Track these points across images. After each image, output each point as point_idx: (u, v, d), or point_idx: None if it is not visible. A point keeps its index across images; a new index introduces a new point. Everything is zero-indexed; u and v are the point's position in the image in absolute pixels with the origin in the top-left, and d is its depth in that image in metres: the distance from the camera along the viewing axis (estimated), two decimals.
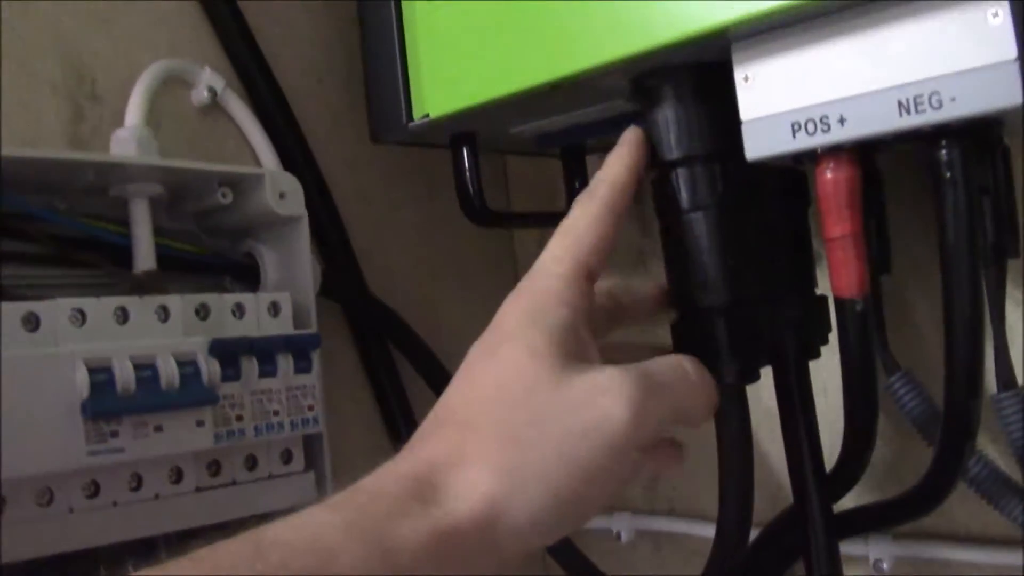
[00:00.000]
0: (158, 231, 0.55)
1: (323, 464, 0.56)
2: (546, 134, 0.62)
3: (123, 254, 0.54)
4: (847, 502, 0.57)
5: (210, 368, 0.50)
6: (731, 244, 0.50)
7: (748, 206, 0.50)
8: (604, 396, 0.39)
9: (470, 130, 0.60)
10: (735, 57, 0.47)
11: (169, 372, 0.49)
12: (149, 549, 0.51)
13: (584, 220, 0.45)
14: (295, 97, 0.66)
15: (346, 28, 0.66)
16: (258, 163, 0.62)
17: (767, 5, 0.42)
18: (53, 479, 0.47)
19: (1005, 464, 0.55)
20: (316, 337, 0.55)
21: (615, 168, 0.48)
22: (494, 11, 0.52)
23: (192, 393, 0.50)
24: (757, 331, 0.50)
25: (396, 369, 0.69)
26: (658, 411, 0.40)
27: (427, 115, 0.56)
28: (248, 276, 0.59)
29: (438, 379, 0.68)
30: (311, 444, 0.56)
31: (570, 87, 0.51)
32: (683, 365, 0.44)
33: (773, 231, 0.52)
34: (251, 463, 0.54)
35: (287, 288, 0.57)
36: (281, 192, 0.56)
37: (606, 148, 0.47)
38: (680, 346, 0.50)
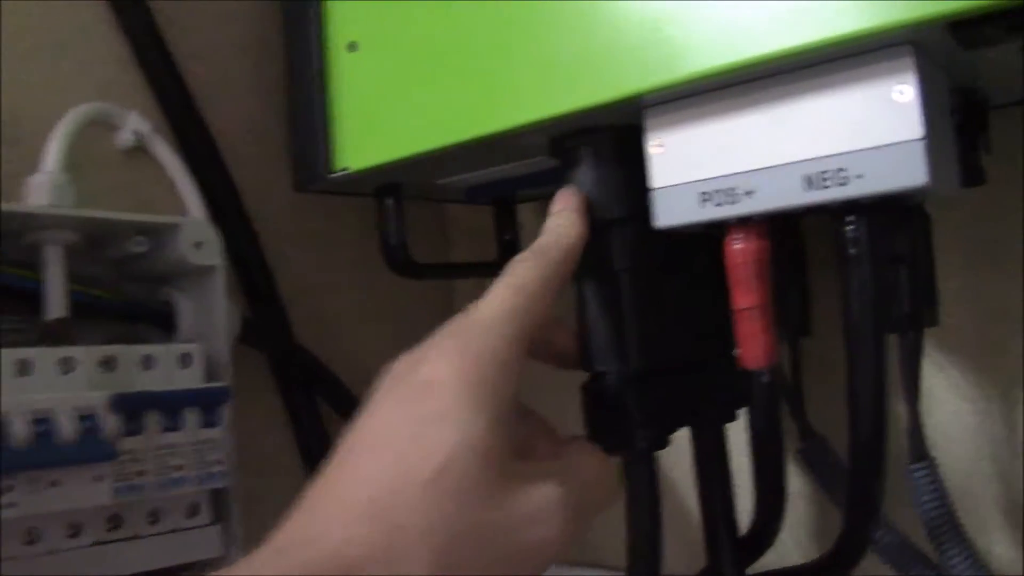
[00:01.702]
0: (75, 276, 0.55)
1: (231, 518, 0.56)
2: (473, 187, 0.61)
3: (38, 300, 0.54)
4: (769, 562, 0.56)
5: (110, 423, 0.50)
6: (648, 309, 0.50)
7: (666, 270, 0.50)
8: (543, 523, 0.36)
9: (394, 181, 0.60)
10: (647, 124, 0.47)
11: (67, 427, 0.48)
12: None
13: (537, 282, 0.42)
14: (226, 143, 0.66)
15: (281, 76, 0.66)
16: (184, 209, 0.61)
17: (674, 75, 0.42)
18: None
19: (917, 530, 0.54)
20: (225, 391, 0.55)
21: (568, 233, 0.46)
22: (410, 68, 0.52)
23: (91, 449, 0.49)
24: (671, 399, 0.50)
25: (321, 420, 0.69)
26: (585, 525, 0.39)
27: (346, 168, 0.55)
28: (165, 323, 0.58)
29: None
30: (220, 497, 0.56)
31: (487, 145, 0.51)
32: (612, 479, 0.42)
33: (693, 296, 0.51)
34: (153, 517, 0.53)
35: (204, 336, 0.57)
36: (197, 241, 0.56)
37: (537, 199, 0.47)
38: (590, 410, 0.50)
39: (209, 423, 0.54)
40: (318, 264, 0.71)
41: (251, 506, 0.59)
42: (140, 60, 0.62)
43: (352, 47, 0.55)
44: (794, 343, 0.59)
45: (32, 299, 0.54)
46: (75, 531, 0.50)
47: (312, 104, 0.57)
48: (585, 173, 0.50)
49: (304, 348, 0.68)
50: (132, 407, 0.51)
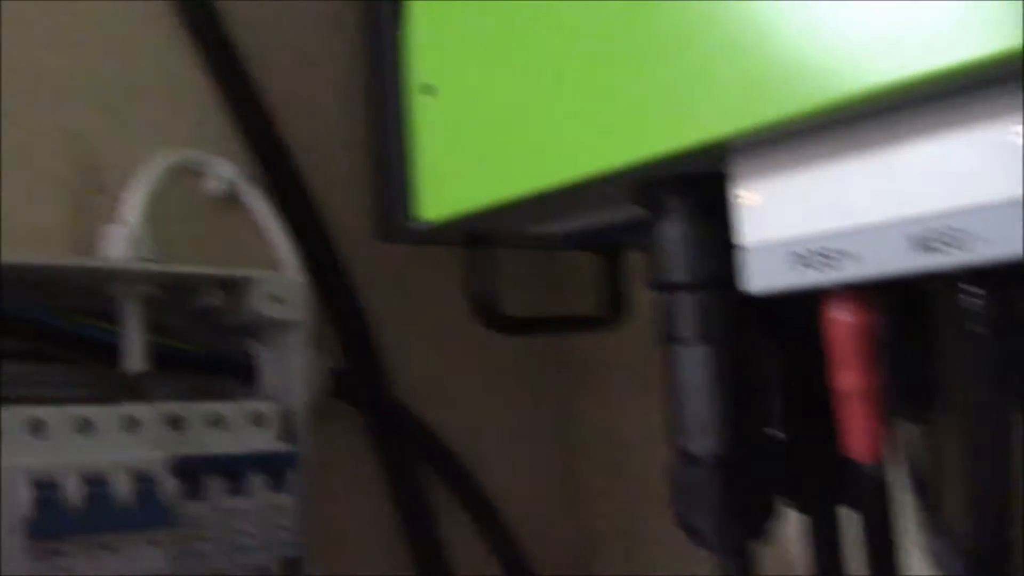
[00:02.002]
0: (156, 327, 0.53)
1: None
2: (570, 235, 0.57)
3: (115, 352, 0.53)
4: None
5: (169, 486, 0.48)
6: (744, 384, 0.44)
7: (759, 340, 0.45)
8: None
9: (482, 230, 0.56)
10: (734, 171, 0.41)
11: (123, 490, 0.47)
12: None
13: None
14: (319, 190, 0.64)
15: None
16: (275, 258, 0.59)
17: (762, 118, 0.37)
18: None
19: None
20: (293, 455, 0.52)
21: None
22: (487, 112, 0.49)
23: (147, 513, 0.48)
24: (773, 485, 0.45)
25: (420, 482, 0.65)
26: None
27: (424, 219, 0.52)
28: (246, 376, 0.56)
29: (466, 490, 0.64)
30: (294, 566, 0.53)
31: (569, 194, 0.47)
32: None
33: (799, 367, 0.46)
34: None
35: (284, 391, 0.55)
36: (274, 295, 0.54)
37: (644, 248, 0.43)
38: (677, 497, 0.45)
39: (277, 487, 0.51)
40: (417, 316, 0.68)
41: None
42: (229, 106, 0.61)
43: (429, 90, 0.52)
44: (927, 424, 0.52)
45: (111, 351, 0.53)
46: None
47: (390, 151, 0.54)
48: (672, 227, 0.45)
49: (402, 404, 0.65)
50: (193, 470, 0.49)
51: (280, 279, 0.54)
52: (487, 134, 0.49)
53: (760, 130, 0.37)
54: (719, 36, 0.38)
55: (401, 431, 0.65)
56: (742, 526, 0.44)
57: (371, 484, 0.65)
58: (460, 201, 0.50)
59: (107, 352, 0.53)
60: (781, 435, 0.46)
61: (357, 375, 0.63)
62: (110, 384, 0.52)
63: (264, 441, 0.52)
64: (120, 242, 0.54)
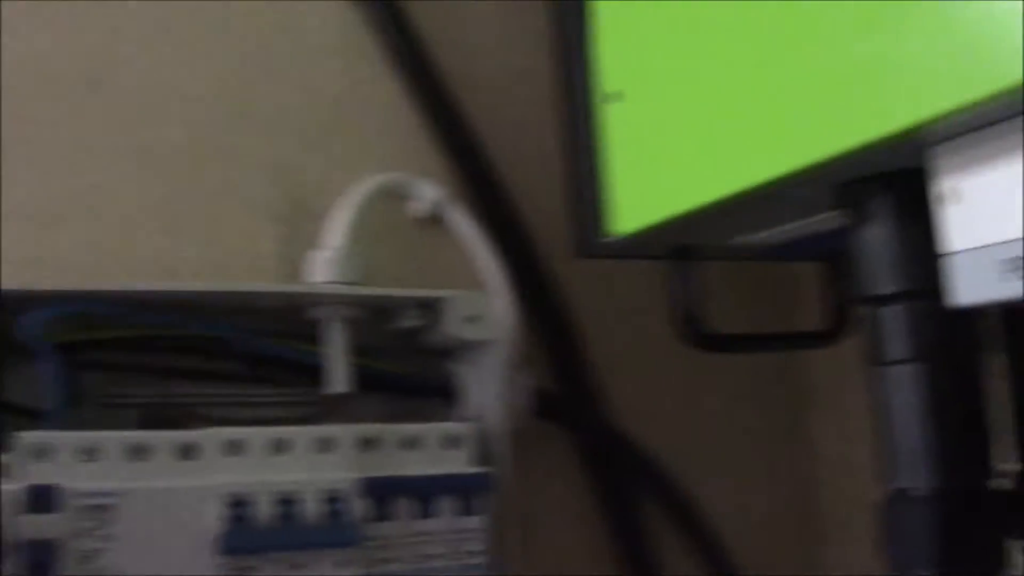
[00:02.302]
0: (359, 349, 0.54)
1: None
2: (779, 246, 0.53)
3: (319, 373, 0.54)
4: None
5: (358, 507, 0.48)
6: (958, 407, 0.39)
7: (982, 356, 0.40)
8: None
9: (683, 243, 0.53)
10: (933, 167, 0.37)
11: (313, 510, 0.47)
12: None
13: None
14: (527, 207, 0.63)
15: None
16: (482, 279, 0.59)
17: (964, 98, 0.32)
18: None
19: None
20: (485, 478, 0.51)
21: None
22: (674, 116, 0.46)
23: (336, 533, 0.48)
24: (988, 527, 0.39)
25: (636, 511, 0.63)
26: None
27: (617, 232, 0.50)
28: (448, 398, 0.56)
29: (686, 517, 0.61)
30: None
31: (763, 199, 0.43)
32: None
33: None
34: None
35: (486, 412, 0.54)
36: (470, 316, 0.53)
37: None
38: (890, 535, 0.40)
39: (468, 510, 0.50)
40: (631, 334, 0.66)
41: None
42: (433, 128, 0.61)
43: (617, 97, 0.50)
44: None
45: (315, 373, 0.54)
46: None
47: (581, 164, 0.52)
48: (874, 231, 0.41)
49: (616, 426, 0.62)
50: (382, 492, 0.49)
51: (478, 298, 0.54)
52: (676, 139, 0.46)
53: (961, 113, 0.32)
54: (911, 13, 0.34)
55: (615, 454, 0.62)
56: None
57: (583, 507, 0.63)
58: (652, 211, 0.48)
59: (312, 374, 0.54)
60: (1011, 467, 0.41)
61: (567, 396, 0.61)
62: (314, 406, 0.53)
63: (457, 463, 0.51)
64: (324, 266, 0.55)
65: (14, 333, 0.48)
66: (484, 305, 0.54)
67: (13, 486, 0.44)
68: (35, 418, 0.48)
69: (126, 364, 0.53)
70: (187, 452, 0.48)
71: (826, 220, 0.48)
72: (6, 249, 0.52)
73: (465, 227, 0.59)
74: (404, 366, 0.57)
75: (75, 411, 0.50)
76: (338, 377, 0.53)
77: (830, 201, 0.44)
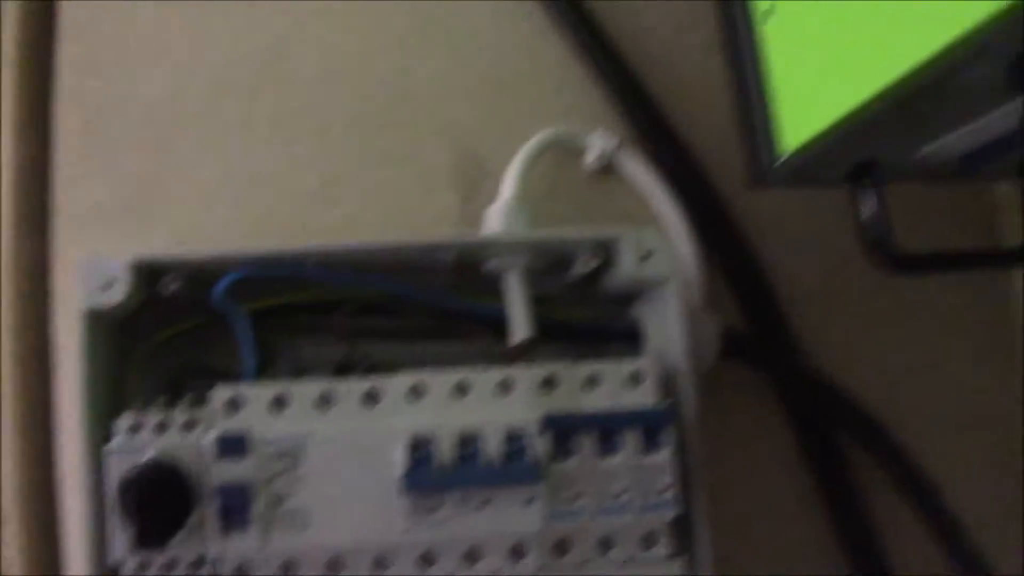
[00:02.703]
0: (539, 300, 0.54)
1: (698, 553, 0.50)
2: (962, 160, 0.49)
3: (503, 325, 0.54)
4: None
5: (539, 445, 0.48)
6: None
7: None
8: None
9: (862, 161, 0.50)
10: None
11: (493, 448, 0.47)
12: None
13: None
14: (699, 148, 0.61)
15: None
16: (660, 223, 0.58)
17: None
18: (388, 548, 0.48)
19: None
20: (669, 411, 0.49)
21: None
22: (828, 17, 0.44)
23: (518, 471, 0.47)
24: None
25: (837, 449, 0.59)
26: None
27: (785, 152, 0.48)
28: (632, 342, 0.55)
29: (897, 466, 0.57)
30: (684, 528, 0.50)
31: (930, 91, 0.40)
32: None
33: None
34: (606, 545, 0.49)
35: (669, 353, 0.52)
36: (643, 253, 0.52)
37: None
38: None
39: (652, 447, 0.49)
40: (819, 267, 0.62)
41: (744, 540, 0.53)
42: (600, 79, 0.60)
43: (768, 12, 0.48)
44: None
45: (497, 326, 0.54)
46: (519, 555, 0.49)
47: (745, 87, 0.50)
48: None
49: (811, 366, 0.59)
50: (563, 428, 0.48)
51: (654, 235, 0.52)
52: (833, 35, 0.44)
53: None
54: None
55: (812, 394, 0.59)
56: None
57: (778, 451, 0.60)
58: (822, 117, 0.46)
59: (494, 327, 0.54)
60: None
61: (756, 335, 0.59)
62: (498, 359, 0.53)
63: (640, 399, 0.50)
64: (497, 219, 0.55)
65: (210, 301, 0.51)
66: (662, 241, 0.52)
67: (208, 436, 0.47)
68: (231, 382, 0.50)
69: (314, 327, 0.55)
70: (371, 398, 0.49)
71: (1010, 114, 0.45)
72: (196, 229, 0.55)
73: (638, 172, 0.59)
74: (584, 314, 0.56)
75: (267, 375, 0.52)
76: (520, 326, 0.53)
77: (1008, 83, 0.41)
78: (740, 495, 0.58)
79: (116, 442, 0.47)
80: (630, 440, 0.49)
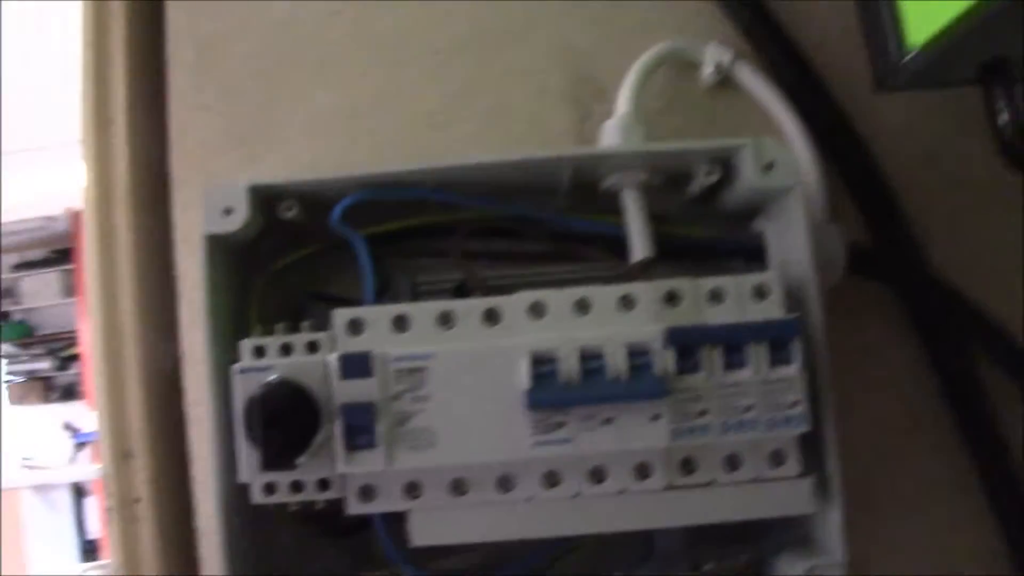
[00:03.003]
0: (661, 217, 0.53)
1: (827, 470, 0.49)
2: None
3: (624, 245, 0.53)
4: None
5: (663, 359, 0.47)
6: None
7: None
8: None
9: (994, 59, 0.48)
10: None
11: (616, 363, 0.47)
12: None
13: None
14: (825, 57, 0.59)
15: None
16: (781, 135, 0.56)
17: None
18: (511, 467, 0.48)
19: None
20: (795, 323, 0.48)
21: None
22: None
23: (641, 385, 0.47)
24: None
25: (970, 364, 0.57)
26: None
27: (912, 50, 0.46)
28: (756, 258, 0.54)
29: None
30: (813, 446, 0.49)
31: None
32: None
33: None
34: (732, 464, 0.48)
35: (793, 266, 0.51)
36: (766, 163, 0.50)
37: None
38: None
39: (779, 360, 0.47)
40: (944, 176, 0.60)
41: (871, 463, 0.51)
42: None
43: None
44: None
45: (616, 245, 0.53)
46: (644, 473, 0.48)
47: None
48: None
49: (942, 280, 0.57)
50: (688, 342, 0.47)
51: (775, 145, 0.51)
52: None
53: None
54: None
55: (943, 309, 0.57)
56: None
57: (907, 367, 0.58)
58: (946, 10, 0.43)
59: (613, 247, 0.53)
60: None
61: (883, 248, 0.57)
62: (618, 279, 0.52)
63: (766, 314, 0.48)
64: (614, 134, 0.54)
65: (328, 226, 0.51)
66: (784, 151, 0.50)
67: (332, 356, 0.47)
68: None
69: (430, 252, 0.55)
70: (491, 317, 0.48)
71: None
72: (312, 157, 0.55)
73: (756, 84, 0.57)
74: (703, 231, 0.55)
75: (384, 299, 0.52)
76: (640, 244, 0.52)
77: None
78: (867, 413, 0.57)
79: (242, 363, 0.48)
80: (757, 354, 0.48)
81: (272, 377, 0.47)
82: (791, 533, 0.52)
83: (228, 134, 0.59)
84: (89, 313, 0.62)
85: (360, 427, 0.47)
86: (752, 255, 0.54)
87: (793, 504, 0.49)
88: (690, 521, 0.49)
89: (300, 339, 0.48)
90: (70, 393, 4.94)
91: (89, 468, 3.85)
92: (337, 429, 0.47)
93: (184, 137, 0.60)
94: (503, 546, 0.53)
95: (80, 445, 4.36)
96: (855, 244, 0.56)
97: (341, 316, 0.48)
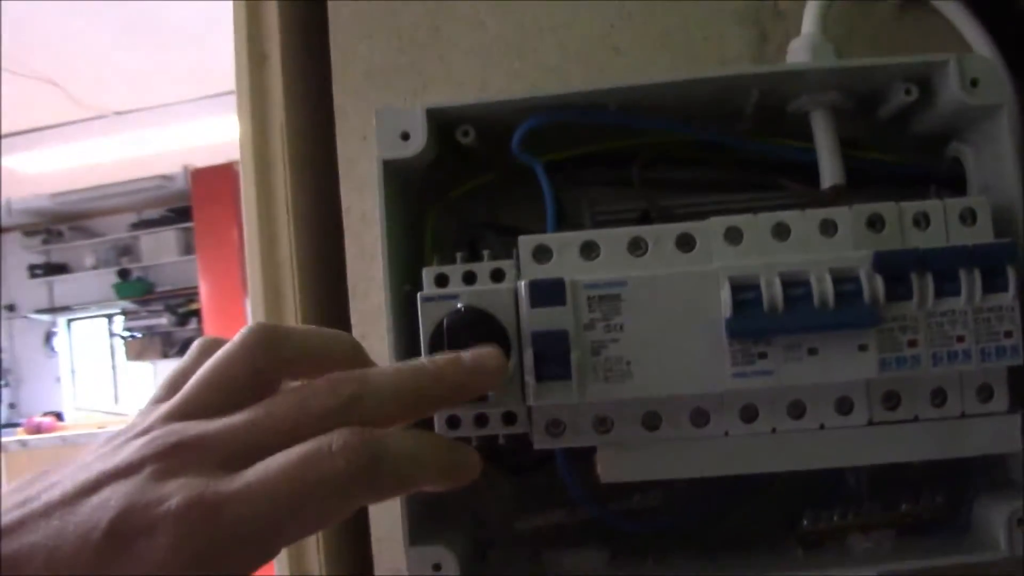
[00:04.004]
0: (850, 143, 0.51)
1: None
2: None
3: (811, 172, 0.51)
4: None
5: (872, 285, 0.44)
6: None
7: None
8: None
9: None
10: None
11: (822, 290, 0.44)
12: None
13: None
14: None
15: None
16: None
17: None
18: (708, 400, 0.46)
19: None
20: (1010, 247, 0.45)
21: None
22: None
23: (849, 314, 0.44)
24: None
25: None
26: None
27: None
28: (956, 184, 0.51)
29: None
30: (1021, 380, 0.46)
31: None
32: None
33: None
34: (939, 398, 0.46)
35: (998, 189, 0.48)
36: (973, 78, 0.47)
37: None
38: None
39: (993, 287, 0.45)
40: None
41: None
42: None
43: None
44: None
45: (806, 172, 0.51)
46: (847, 408, 0.46)
47: None
48: None
49: None
50: (896, 268, 0.45)
51: (977, 59, 0.48)
52: None
53: None
54: None
55: None
56: None
57: None
58: None
59: (803, 173, 0.51)
60: None
61: None
62: (808, 206, 0.50)
63: (975, 237, 0.45)
64: (801, 54, 0.52)
65: (507, 152, 0.49)
66: (990, 66, 0.47)
67: (522, 283, 0.45)
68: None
69: (610, 180, 0.53)
70: (686, 242, 0.46)
71: None
72: (479, 85, 0.54)
73: (944, 3, 0.54)
74: (898, 156, 0.52)
75: (563, 229, 0.50)
76: (831, 169, 0.50)
77: None
78: None
79: (426, 291, 0.46)
80: (969, 281, 0.45)
81: (458, 305, 0.46)
82: (990, 475, 0.50)
83: (394, 64, 0.58)
84: (247, 250, 0.61)
85: (551, 357, 0.45)
86: (945, 182, 0.51)
87: (1001, 442, 0.46)
88: (892, 459, 0.46)
89: (484, 267, 0.47)
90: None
91: None
92: (527, 359, 0.45)
93: (347, 68, 0.58)
94: (681, 488, 0.51)
95: None
96: None
97: (526, 243, 0.47)
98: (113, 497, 0.31)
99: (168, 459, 0.33)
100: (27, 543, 0.30)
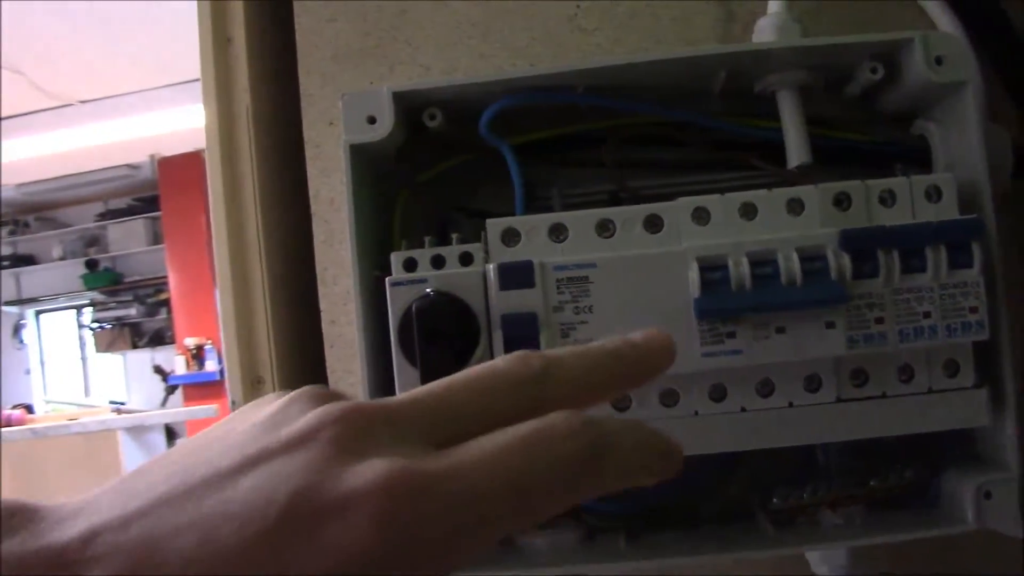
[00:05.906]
0: (816, 121, 0.51)
1: (1002, 380, 0.46)
2: None
3: (781, 151, 0.51)
4: None
5: (839, 262, 0.44)
6: None
7: None
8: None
9: None
10: None
11: (789, 268, 0.44)
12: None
13: None
14: None
15: None
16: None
17: None
18: (677, 380, 0.46)
19: None
20: (976, 223, 0.45)
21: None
22: None
23: (817, 291, 0.44)
24: None
25: None
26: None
27: None
28: (921, 161, 0.51)
29: None
30: (987, 355, 0.47)
31: None
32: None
33: None
34: (906, 374, 0.46)
35: (963, 167, 0.48)
36: (938, 56, 0.47)
37: None
38: None
39: (959, 263, 0.45)
40: None
41: None
42: None
43: None
44: None
45: (778, 150, 0.51)
46: (815, 385, 0.46)
47: None
48: None
49: None
50: (862, 244, 0.45)
51: (942, 37, 0.48)
52: None
53: None
54: None
55: None
56: None
57: None
58: None
59: (769, 152, 0.51)
60: None
61: None
62: (775, 184, 0.50)
63: (940, 214, 0.46)
64: (768, 32, 0.52)
65: (475, 135, 0.49)
66: (956, 43, 0.48)
67: (490, 266, 0.45)
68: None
69: (579, 162, 0.53)
70: (654, 223, 0.46)
71: None
72: (447, 67, 0.54)
73: None
74: (863, 133, 0.52)
75: (532, 211, 0.50)
76: (797, 148, 0.50)
77: None
78: None
79: (394, 275, 0.46)
80: (935, 257, 0.45)
81: (427, 290, 0.46)
82: (958, 449, 0.50)
83: (360, 47, 0.57)
84: (215, 237, 0.61)
85: (521, 339, 0.45)
86: (910, 159, 0.51)
87: (968, 416, 0.46)
88: (861, 435, 0.47)
89: (452, 251, 0.47)
90: (159, 339, 5.04)
91: (180, 410, 3.93)
92: (496, 342, 0.45)
93: (313, 51, 0.58)
94: None
95: (171, 388, 4.45)
96: (1018, 147, 0.53)
97: (495, 226, 0.47)
98: (286, 471, 0.25)
99: (353, 428, 0.26)
100: (169, 524, 0.24)
